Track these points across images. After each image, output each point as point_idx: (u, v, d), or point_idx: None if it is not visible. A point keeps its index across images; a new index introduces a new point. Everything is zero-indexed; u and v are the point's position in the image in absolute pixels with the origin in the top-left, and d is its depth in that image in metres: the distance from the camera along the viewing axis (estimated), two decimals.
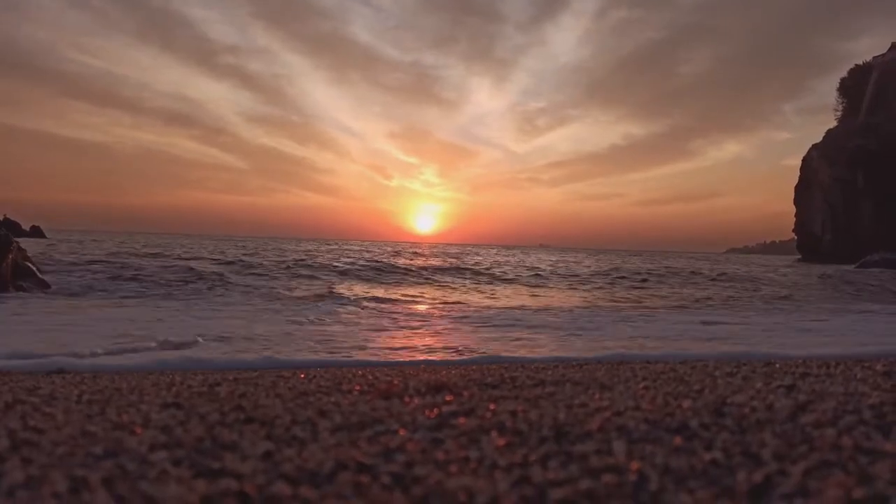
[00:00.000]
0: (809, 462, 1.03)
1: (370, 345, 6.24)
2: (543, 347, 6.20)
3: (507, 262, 28.14)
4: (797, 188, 65.93)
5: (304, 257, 23.28)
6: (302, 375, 2.70)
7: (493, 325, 8.19)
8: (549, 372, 2.58)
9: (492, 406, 1.58)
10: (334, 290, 13.50)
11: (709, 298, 14.37)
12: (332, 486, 0.95)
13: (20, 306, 9.34)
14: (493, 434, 1.26)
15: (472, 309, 10.77)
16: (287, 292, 13.16)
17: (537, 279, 19.33)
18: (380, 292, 13.83)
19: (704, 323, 9.09)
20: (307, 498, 0.90)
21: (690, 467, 1.02)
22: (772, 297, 15.10)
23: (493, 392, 1.85)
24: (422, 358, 5.29)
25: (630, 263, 29.98)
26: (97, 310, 9.25)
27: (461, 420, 1.40)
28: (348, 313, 9.49)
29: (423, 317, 9.62)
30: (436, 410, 1.51)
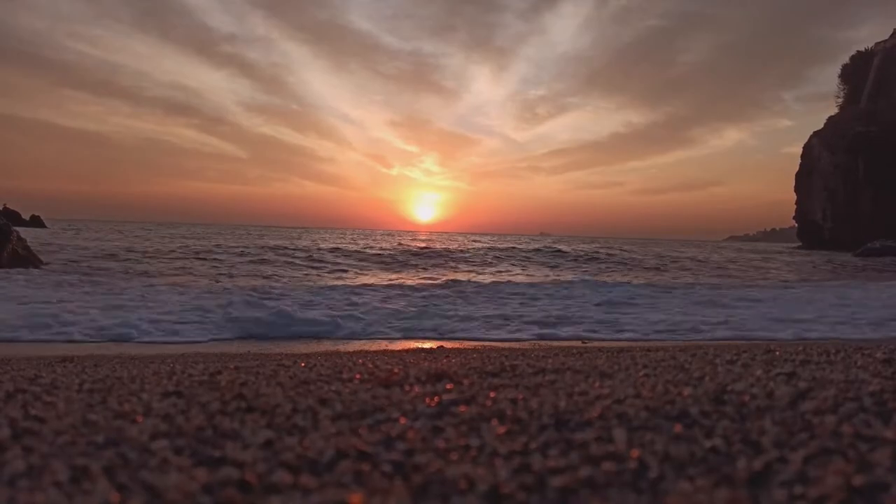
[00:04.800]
0: (809, 449, 1.04)
1: None
2: None
3: None
4: (798, 175, 65.73)
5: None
6: (302, 364, 2.71)
7: None
8: (550, 360, 2.58)
9: (492, 394, 1.58)
10: None
11: None
12: (332, 474, 0.95)
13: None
14: (494, 422, 1.27)
15: None
16: None
17: None
18: None
19: None
20: (308, 486, 0.90)
21: (690, 455, 1.02)
22: None
23: (494, 380, 1.85)
24: None
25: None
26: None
27: (461, 408, 1.40)
28: None
29: None
30: (436, 399, 1.51)
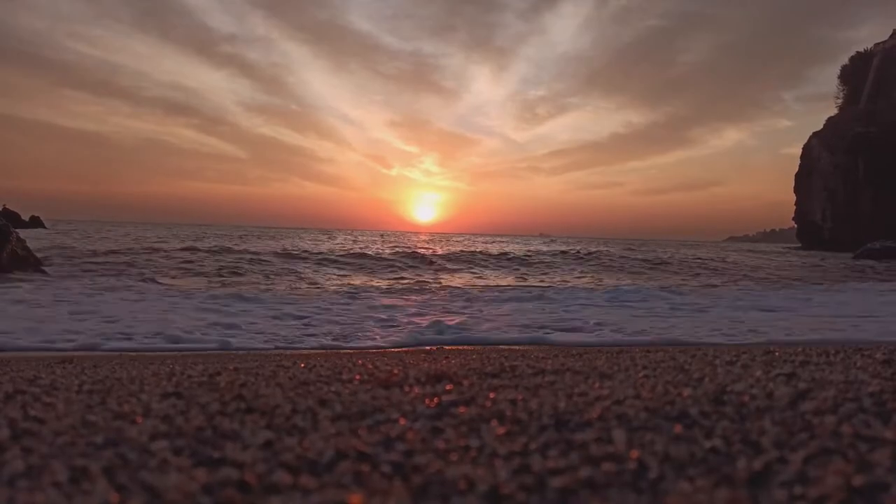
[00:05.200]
0: (809, 450, 1.04)
1: None
2: None
3: None
4: (797, 176, 65.78)
5: None
6: (302, 365, 2.71)
7: None
8: (549, 361, 2.58)
9: (492, 395, 1.58)
10: None
11: None
12: (332, 474, 0.95)
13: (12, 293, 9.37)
14: (493, 423, 1.27)
15: None
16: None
17: None
18: None
19: None
20: (307, 486, 0.90)
21: (690, 455, 1.02)
22: None
23: (493, 381, 1.85)
24: None
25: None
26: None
27: (461, 409, 1.40)
28: None
29: None
30: (436, 399, 1.51)
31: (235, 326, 7.35)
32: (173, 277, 14.10)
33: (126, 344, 6.19)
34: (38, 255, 14.26)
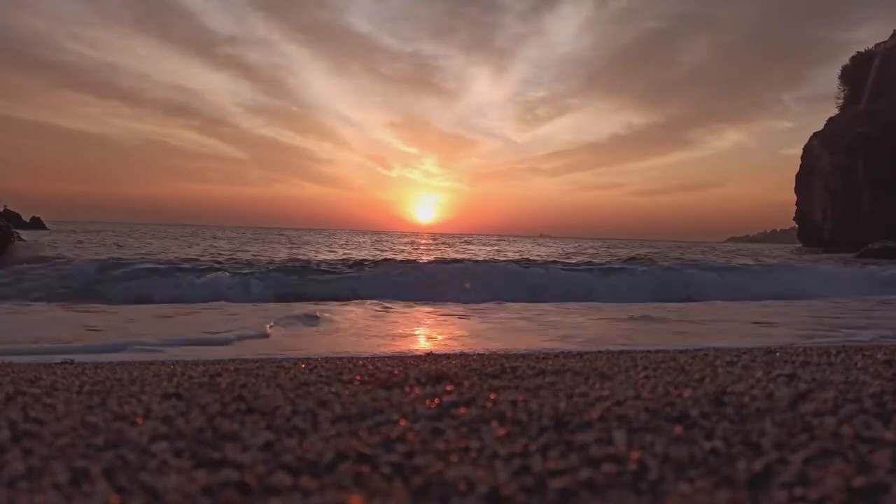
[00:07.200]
0: (809, 451, 1.03)
1: None
2: None
3: None
4: (798, 176, 65.73)
5: None
6: (303, 366, 2.71)
7: None
8: (550, 362, 2.58)
9: (492, 396, 1.58)
10: None
11: None
12: (332, 476, 0.95)
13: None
14: (494, 424, 1.26)
15: None
16: None
17: None
18: None
19: None
20: (307, 488, 0.90)
21: (690, 456, 1.02)
22: None
23: (494, 382, 1.85)
24: None
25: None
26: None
27: (461, 410, 1.40)
28: None
29: None
30: (436, 400, 1.51)
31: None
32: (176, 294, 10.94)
33: None
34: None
